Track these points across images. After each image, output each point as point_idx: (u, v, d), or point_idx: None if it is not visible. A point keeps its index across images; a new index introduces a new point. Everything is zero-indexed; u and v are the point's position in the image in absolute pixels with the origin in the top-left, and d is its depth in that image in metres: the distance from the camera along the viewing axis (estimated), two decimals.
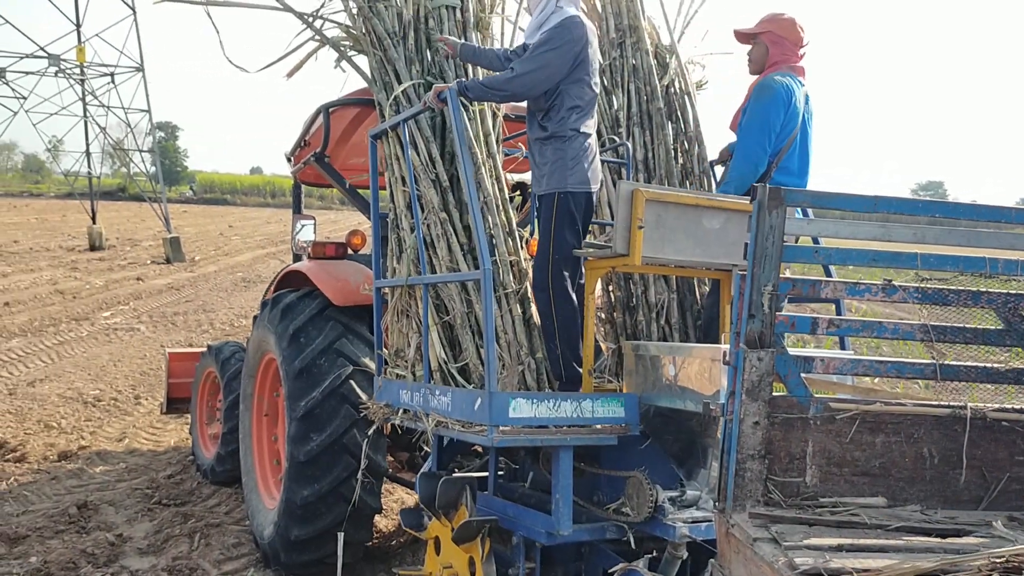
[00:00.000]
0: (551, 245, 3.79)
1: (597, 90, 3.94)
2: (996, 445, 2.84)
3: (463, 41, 4.16)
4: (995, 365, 2.90)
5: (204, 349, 7.18)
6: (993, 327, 2.88)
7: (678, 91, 4.92)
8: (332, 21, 4.53)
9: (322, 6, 4.50)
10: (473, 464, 4.69)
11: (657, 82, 4.87)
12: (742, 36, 4.40)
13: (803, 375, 2.79)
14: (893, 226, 2.76)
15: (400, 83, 4.17)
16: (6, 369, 10.59)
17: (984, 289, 2.80)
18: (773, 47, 4.30)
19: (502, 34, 4.57)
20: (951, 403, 2.84)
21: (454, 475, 3.98)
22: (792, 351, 2.81)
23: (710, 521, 3.44)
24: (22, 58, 26.75)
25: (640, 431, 3.68)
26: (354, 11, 4.39)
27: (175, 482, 6.67)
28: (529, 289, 3.94)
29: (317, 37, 4.52)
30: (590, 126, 3.91)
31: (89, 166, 28.42)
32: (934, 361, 2.84)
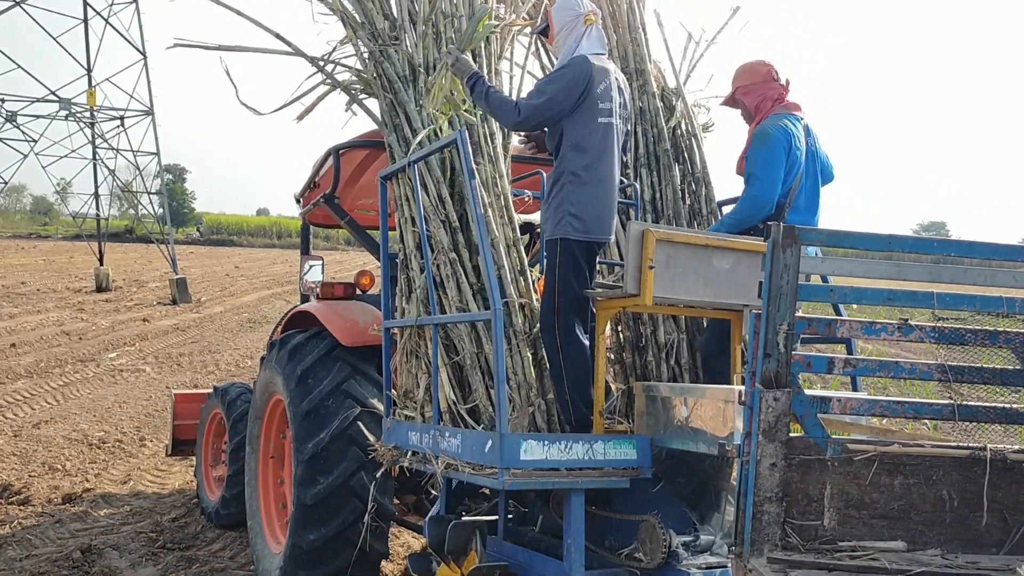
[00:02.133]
0: (556, 289, 3.78)
1: (611, 135, 3.90)
2: (1017, 487, 2.79)
3: (473, 75, 4.02)
4: (1014, 406, 2.86)
5: (210, 390, 7.15)
6: (1011, 367, 2.84)
7: (685, 133, 4.94)
8: (343, 65, 4.58)
9: (333, 50, 4.55)
10: (482, 507, 4.63)
11: (664, 124, 4.90)
12: (727, 103, 4.54)
13: (819, 415, 2.76)
14: (908, 265, 2.75)
15: (411, 125, 4.20)
16: (11, 411, 10.55)
17: (1002, 328, 2.77)
18: (748, 98, 4.41)
19: (510, 78, 4.62)
20: (970, 444, 2.80)
21: (463, 519, 3.93)
22: (808, 391, 2.79)
23: (725, 567, 3.38)
24: (33, 102, 27.09)
25: (652, 474, 3.64)
26: (365, 55, 4.43)
27: (179, 526, 6.60)
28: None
29: (328, 81, 4.56)
30: (597, 171, 3.83)
31: (97, 208, 28.64)
32: (952, 402, 2.81)
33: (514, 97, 4.25)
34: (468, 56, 4.08)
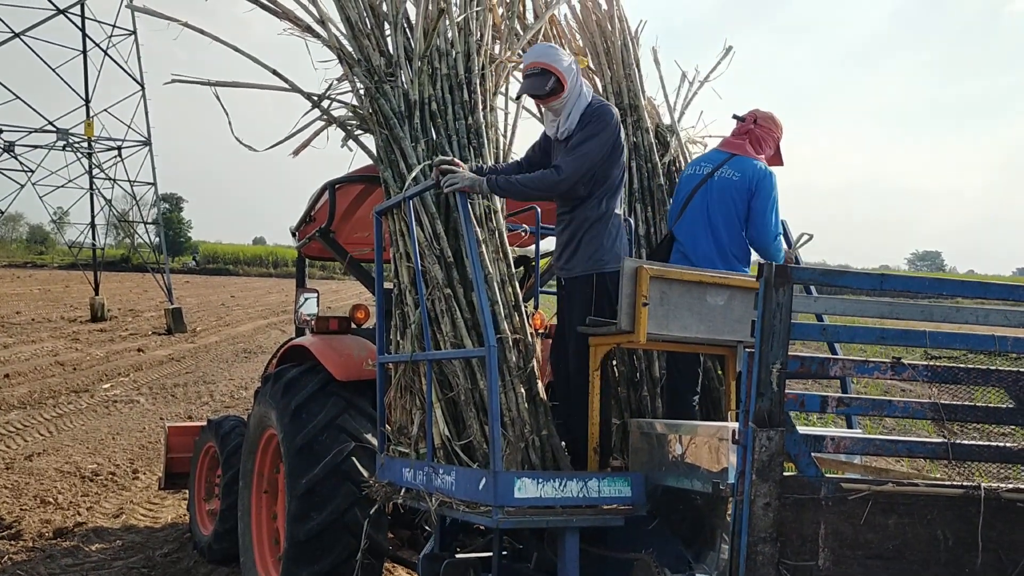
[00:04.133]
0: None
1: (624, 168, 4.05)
2: (1012, 526, 2.78)
3: (484, 177, 3.91)
4: (1008, 444, 2.87)
5: (204, 423, 7.11)
6: (1004, 405, 2.85)
7: (679, 169, 4.98)
8: (339, 101, 4.61)
9: (330, 87, 4.59)
10: (477, 544, 4.60)
11: (658, 159, 4.95)
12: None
13: (813, 454, 2.76)
14: (900, 304, 2.76)
15: (406, 161, 4.22)
16: (3, 442, 10.47)
17: (994, 367, 2.78)
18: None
19: (506, 114, 4.65)
20: (964, 483, 2.80)
21: (457, 557, 3.90)
22: (802, 429, 2.79)
23: None
24: (31, 132, 27.16)
25: (647, 511, 3.62)
26: (361, 92, 4.47)
27: (172, 560, 6.54)
28: (536, 366, 3.92)
29: (324, 117, 4.59)
30: (619, 208, 4.04)
31: (94, 238, 28.64)
32: (946, 440, 2.81)
33: (507, 135, 4.35)
34: (459, 170, 3.85)
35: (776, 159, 4.48)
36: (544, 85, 3.88)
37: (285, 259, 55.76)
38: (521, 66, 4.04)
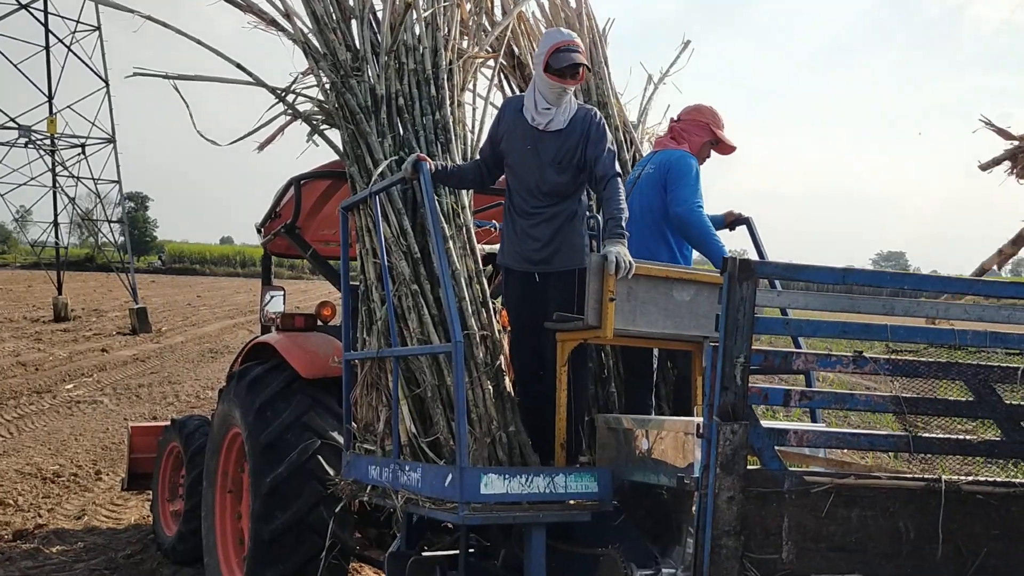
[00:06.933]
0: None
1: None
2: (971, 519, 2.82)
3: (437, 168, 3.94)
4: (968, 437, 2.90)
5: (168, 423, 7.02)
6: (964, 399, 2.88)
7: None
8: (305, 96, 4.57)
9: (294, 81, 4.55)
10: (443, 541, 4.58)
11: (626, 155, 4.96)
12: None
13: (777, 448, 2.78)
14: (862, 298, 2.79)
15: (372, 156, 4.19)
16: None
17: (955, 360, 2.82)
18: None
19: (474, 109, 4.64)
20: (925, 476, 2.83)
21: (423, 555, 3.88)
22: (765, 423, 2.80)
23: None
24: None
25: (614, 506, 3.62)
26: (327, 86, 4.43)
27: (135, 562, 6.44)
28: (503, 362, 3.91)
29: (290, 111, 4.55)
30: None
31: (57, 236, 28.19)
32: (907, 433, 2.84)
33: (475, 131, 4.37)
34: None
35: (722, 148, 4.52)
36: (587, 63, 3.94)
37: (253, 259, 55.21)
38: (550, 42, 3.88)
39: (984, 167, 4.26)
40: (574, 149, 3.90)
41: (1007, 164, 4.25)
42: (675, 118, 4.55)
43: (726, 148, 4.54)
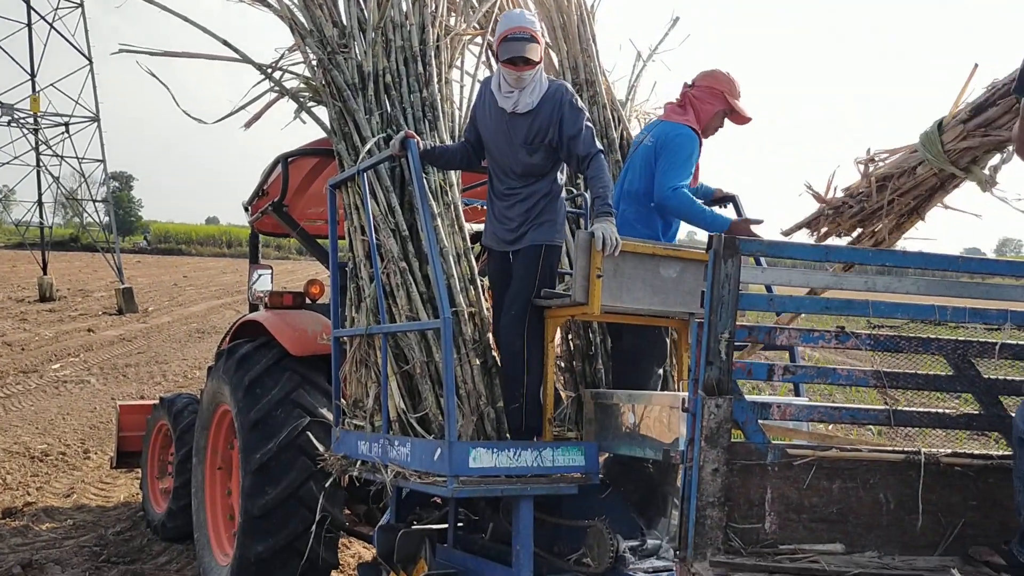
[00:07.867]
0: (531, 294, 3.82)
1: None
2: (950, 490, 2.89)
3: (425, 148, 3.91)
4: (947, 411, 2.96)
5: (156, 401, 7.03)
6: (943, 373, 2.94)
7: (627, 144, 5.01)
8: (291, 72, 4.56)
9: (281, 57, 4.53)
10: (432, 516, 4.63)
11: (614, 134, 4.97)
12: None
13: (760, 421, 2.82)
14: (844, 275, 2.83)
15: (360, 133, 4.19)
16: None
17: (935, 336, 2.87)
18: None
19: (461, 87, 4.64)
20: (905, 449, 2.89)
21: (412, 528, 3.93)
22: (749, 398, 2.85)
23: (671, 570, 3.42)
24: None
25: (600, 480, 3.67)
26: (314, 63, 4.42)
27: (124, 539, 6.47)
28: (490, 338, 3.94)
29: (276, 88, 4.54)
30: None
31: (41, 216, 28.01)
32: (888, 407, 2.89)
33: (462, 108, 4.41)
34: None
35: (736, 117, 4.29)
36: (537, 52, 3.77)
37: (239, 239, 54.97)
38: (501, 29, 3.82)
39: (786, 233, 4.20)
40: (545, 130, 3.82)
41: (804, 231, 4.15)
42: (688, 83, 4.30)
43: (740, 119, 4.29)
